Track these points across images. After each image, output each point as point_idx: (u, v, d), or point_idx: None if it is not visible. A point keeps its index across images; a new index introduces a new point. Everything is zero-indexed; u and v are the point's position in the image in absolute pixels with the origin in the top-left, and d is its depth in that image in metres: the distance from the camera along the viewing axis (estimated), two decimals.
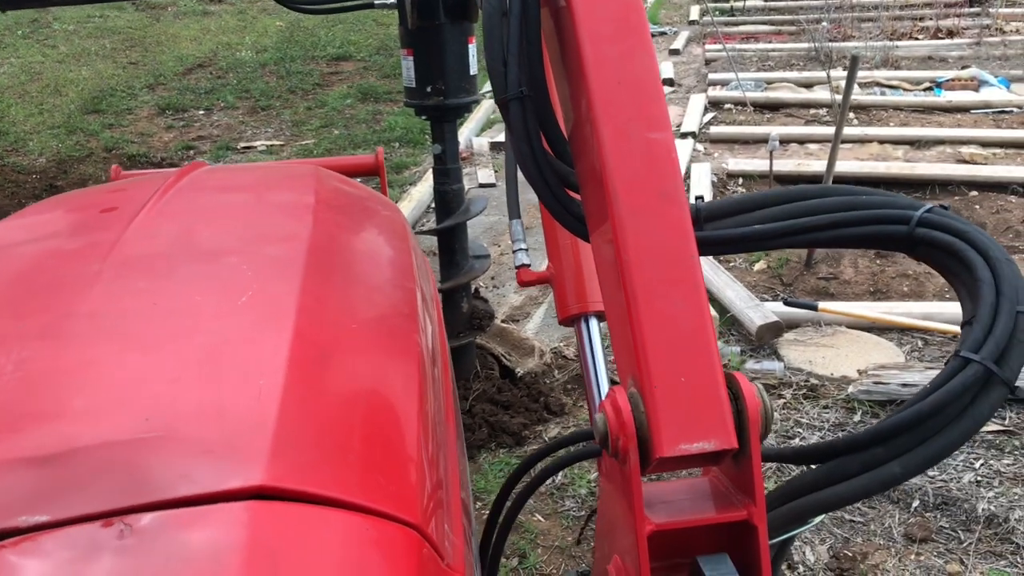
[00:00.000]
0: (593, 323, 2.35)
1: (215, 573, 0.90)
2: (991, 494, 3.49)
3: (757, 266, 5.47)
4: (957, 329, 4.46)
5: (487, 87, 8.99)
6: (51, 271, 1.49)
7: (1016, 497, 3.46)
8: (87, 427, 1.08)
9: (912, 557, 3.26)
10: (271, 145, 8.20)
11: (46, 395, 1.14)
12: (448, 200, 3.97)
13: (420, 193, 6.53)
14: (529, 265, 2.50)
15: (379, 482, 1.10)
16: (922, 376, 4.04)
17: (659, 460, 1.16)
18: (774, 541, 1.23)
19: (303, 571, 0.93)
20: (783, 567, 3.06)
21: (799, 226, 1.47)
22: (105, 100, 9.56)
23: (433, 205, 4.38)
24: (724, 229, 1.50)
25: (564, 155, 1.55)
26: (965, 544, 3.29)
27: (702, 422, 1.17)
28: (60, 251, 1.59)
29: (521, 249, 2.50)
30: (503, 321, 5.02)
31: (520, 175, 2.36)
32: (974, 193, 6.26)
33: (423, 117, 3.83)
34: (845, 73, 5.17)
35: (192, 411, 1.10)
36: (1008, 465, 3.65)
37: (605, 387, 2.24)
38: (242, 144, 8.28)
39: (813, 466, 1.39)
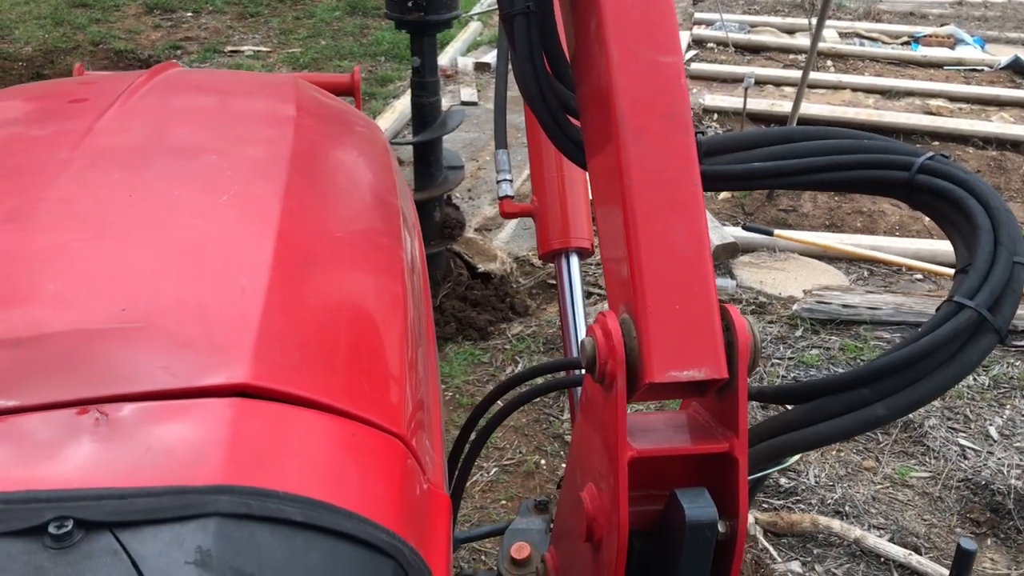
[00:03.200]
0: (574, 259, 2.36)
1: (197, 468, 0.86)
2: None
3: (722, 195, 5.72)
4: (904, 260, 4.76)
5: (476, 8, 9.07)
6: (17, 156, 1.39)
7: (932, 407, 3.77)
8: (59, 313, 1.02)
9: (833, 453, 3.57)
10: (258, 51, 8.27)
11: (14, 278, 1.08)
12: (425, 113, 4.11)
13: (403, 105, 6.68)
14: (512, 197, 2.51)
15: (365, 390, 1.07)
16: (862, 299, 4.34)
17: (648, 386, 1.14)
18: (750, 478, 1.21)
19: (288, 471, 0.90)
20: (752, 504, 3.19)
21: (799, 167, 1.44)
22: None
23: None
24: (724, 165, 1.47)
25: (564, 78, 1.50)
26: (882, 445, 3.61)
27: (694, 350, 1.15)
28: (26, 137, 1.48)
29: (505, 180, 2.51)
30: (476, 230, 5.26)
31: (509, 102, 2.37)
32: (936, 143, 6.51)
33: (403, 31, 3.94)
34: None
35: (172, 304, 1.05)
36: None
37: (582, 323, 2.27)
38: (229, 48, 8.34)
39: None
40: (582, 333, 2.23)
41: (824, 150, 1.45)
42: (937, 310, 1.28)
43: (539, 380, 1.98)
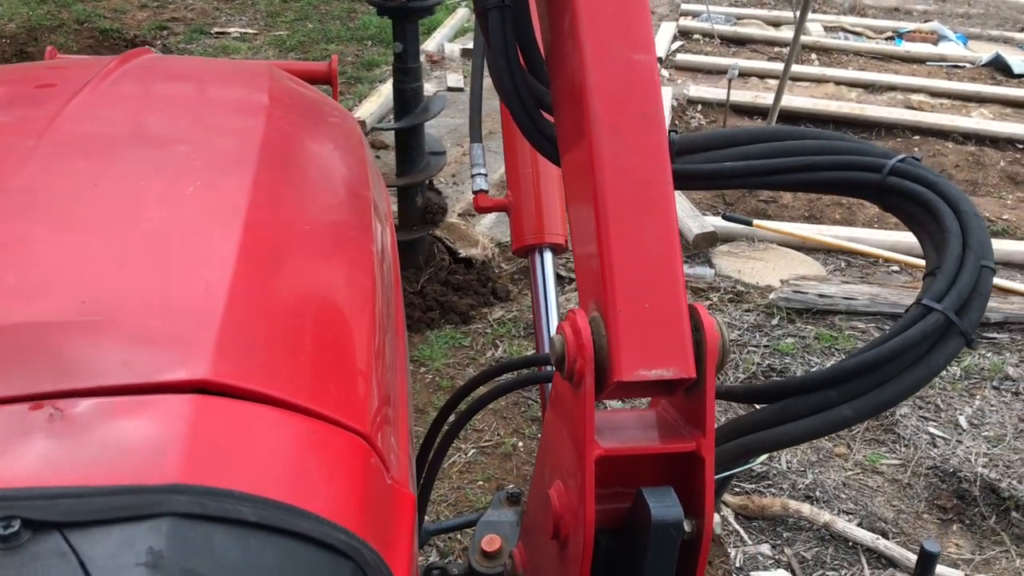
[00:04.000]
0: (548, 255, 2.36)
1: (153, 466, 0.83)
2: None
3: None
4: (881, 252, 4.82)
5: None
6: None
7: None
8: (16, 304, 0.99)
9: None
10: (245, 33, 8.24)
11: None
12: (407, 98, 4.12)
13: (389, 90, 6.66)
14: (487, 191, 2.50)
15: (328, 387, 1.05)
16: (839, 289, 4.40)
17: (617, 384, 1.14)
18: (716, 477, 1.21)
19: (246, 470, 0.88)
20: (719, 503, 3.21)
21: (771, 167, 1.45)
22: None
23: None
24: (696, 164, 1.47)
25: (538, 73, 1.49)
26: (854, 432, 3.67)
27: (663, 349, 1.15)
28: None
29: (480, 174, 2.50)
30: (460, 215, 5.29)
31: (484, 95, 2.33)
32: (916, 137, 6.58)
33: (385, 16, 3.94)
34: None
35: (133, 297, 1.03)
36: None
37: (555, 319, 2.26)
38: (216, 29, 8.30)
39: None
40: (554, 327, 2.23)
41: (797, 150, 1.46)
42: (905, 312, 1.29)
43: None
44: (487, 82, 1.90)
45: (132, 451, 0.85)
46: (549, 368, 1.99)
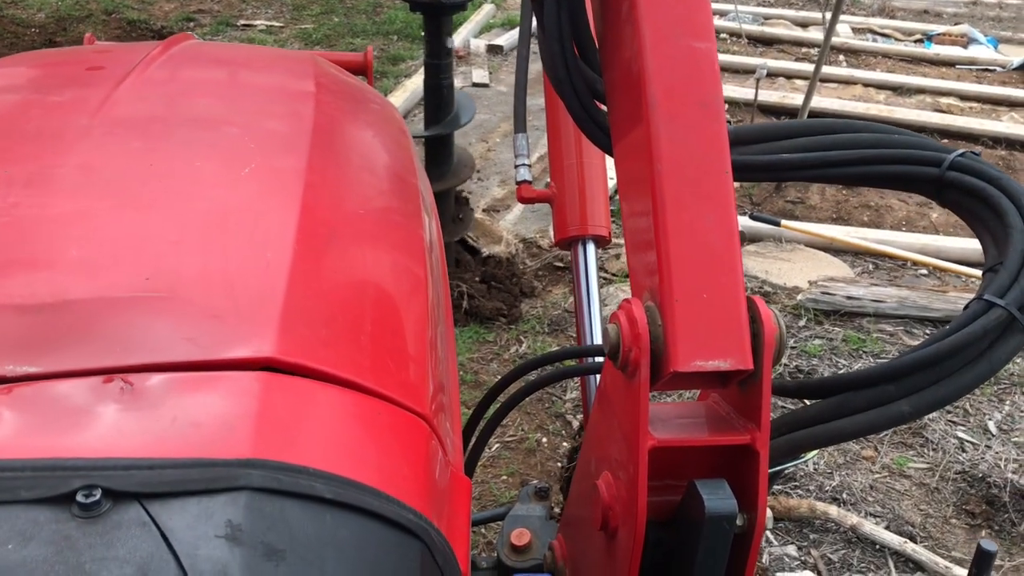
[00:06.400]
0: (591, 247, 2.33)
1: (225, 441, 0.84)
2: None
3: None
4: (910, 255, 4.77)
5: None
6: (34, 121, 1.36)
7: None
8: (82, 280, 1.00)
9: None
10: (271, 26, 8.27)
11: (36, 243, 1.06)
12: (440, 96, 4.05)
13: (415, 85, 6.68)
14: (531, 182, 2.47)
15: (390, 369, 1.06)
16: (867, 291, 4.36)
17: (673, 375, 1.13)
18: (769, 471, 1.20)
19: (315, 448, 0.88)
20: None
21: (827, 159, 1.42)
22: None
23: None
24: (752, 155, 1.44)
25: (591, 61, 1.47)
26: (882, 435, 3.63)
27: (720, 341, 1.13)
28: (43, 103, 1.45)
29: (524, 165, 2.46)
30: (484, 211, 5.28)
31: (531, 85, 2.39)
32: (945, 141, 6.51)
33: (417, 12, 3.90)
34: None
35: (196, 275, 1.03)
36: None
37: (597, 312, 2.24)
38: (242, 22, 8.33)
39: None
40: (596, 320, 2.22)
41: (853, 143, 1.43)
42: (965, 308, 1.26)
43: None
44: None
45: (204, 425, 0.85)
46: (592, 360, 1.98)
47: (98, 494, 0.76)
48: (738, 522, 1.17)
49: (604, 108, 1.46)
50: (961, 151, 1.39)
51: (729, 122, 1.33)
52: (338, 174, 1.37)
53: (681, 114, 1.22)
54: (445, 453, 1.07)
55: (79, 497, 0.76)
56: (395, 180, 1.56)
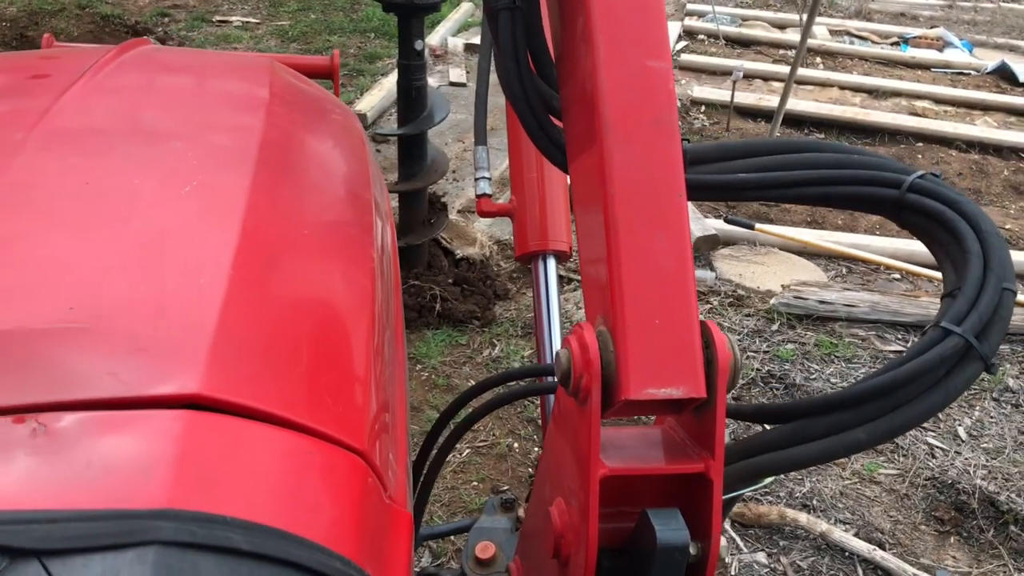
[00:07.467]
0: (551, 262, 2.31)
1: (141, 488, 0.79)
2: None
3: None
4: (883, 259, 4.79)
5: None
6: None
7: None
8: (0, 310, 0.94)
9: None
10: (247, 22, 8.19)
11: None
12: (411, 96, 4.02)
13: (391, 83, 6.64)
14: (491, 195, 2.44)
15: (325, 402, 1.01)
16: (839, 296, 4.36)
17: (624, 403, 1.10)
18: (723, 498, 1.18)
19: (238, 493, 0.84)
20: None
21: (786, 179, 1.40)
22: None
23: None
24: (709, 175, 1.42)
25: (548, 77, 1.44)
26: None
27: (673, 367, 1.11)
28: None
29: (484, 178, 2.43)
30: (459, 212, 5.25)
31: (493, 85, 2.38)
32: (920, 144, 6.55)
33: (390, 12, 3.86)
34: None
35: (123, 304, 0.98)
36: None
37: (557, 328, 2.23)
38: (217, 18, 8.25)
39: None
40: (556, 336, 2.20)
41: (813, 163, 1.41)
42: (922, 335, 1.24)
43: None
44: (492, 83, 1.86)
45: (118, 471, 0.80)
46: (551, 379, 1.96)
47: None
48: (691, 551, 1.15)
49: (561, 125, 1.43)
50: (921, 172, 1.37)
51: (687, 140, 1.31)
52: (284, 191, 1.32)
53: (634, 134, 1.20)
54: (385, 488, 1.03)
55: None
56: (346, 195, 1.51)
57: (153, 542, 0.74)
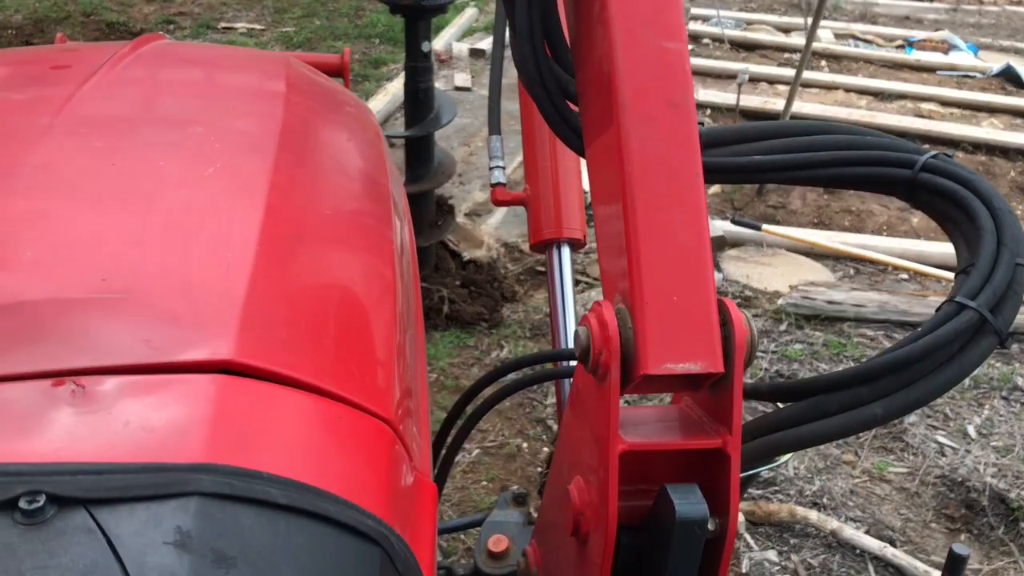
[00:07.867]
0: (565, 250, 2.32)
1: (178, 445, 0.82)
2: None
3: (712, 189, 5.73)
4: (890, 259, 4.78)
5: None
6: None
7: None
8: (37, 281, 0.98)
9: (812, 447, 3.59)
10: (251, 28, 8.22)
11: None
12: (419, 98, 4.02)
13: (396, 88, 6.66)
14: (505, 184, 2.46)
15: (352, 372, 1.04)
16: (847, 296, 4.36)
17: (643, 378, 1.12)
18: (741, 475, 1.18)
19: (272, 453, 0.86)
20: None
21: (800, 161, 1.41)
22: None
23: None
24: (724, 157, 1.43)
25: (564, 61, 1.45)
26: (862, 439, 3.63)
27: (690, 343, 1.13)
28: (5, 101, 1.43)
29: (498, 167, 2.44)
30: (466, 215, 5.25)
31: (504, 88, 2.31)
32: (926, 146, 6.52)
33: (397, 15, 3.88)
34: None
35: (155, 276, 1.01)
36: None
37: (572, 314, 2.24)
38: (222, 25, 8.28)
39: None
40: (571, 324, 2.21)
41: (826, 145, 1.42)
42: (937, 310, 1.25)
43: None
44: (506, 76, 1.87)
45: (156, 429, 0.83)
46: (565, 364, 1.96)
47: (42, 500, 0.74)
48: (709, 527, 1.15)
49: (577, 109, 1.44)
50: (934, 152, 1.38)
51: (702, 123, 1.32)
52: (306, 176, 1.35)
53: (651, 115, 1.21)
54: (410, 458, 1.04)
55: (22, 503, 0.74)
56: (366, 183, 1.53)
57: (194, 493, 0.77)
